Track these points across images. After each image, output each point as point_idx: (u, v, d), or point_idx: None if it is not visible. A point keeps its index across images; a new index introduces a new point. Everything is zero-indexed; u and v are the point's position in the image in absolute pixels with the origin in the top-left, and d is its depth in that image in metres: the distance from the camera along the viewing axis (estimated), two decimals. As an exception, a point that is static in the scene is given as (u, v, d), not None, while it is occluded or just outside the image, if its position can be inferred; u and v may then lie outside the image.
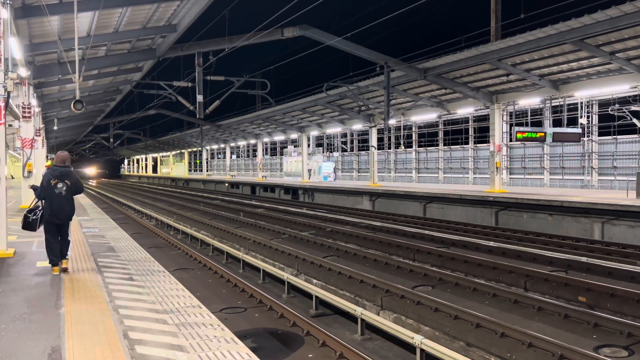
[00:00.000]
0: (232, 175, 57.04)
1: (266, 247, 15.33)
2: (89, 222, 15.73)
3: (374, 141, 32.23)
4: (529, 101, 23.97)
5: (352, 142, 44.07)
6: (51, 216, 7.99)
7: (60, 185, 7.94)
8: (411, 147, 37.57)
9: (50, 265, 8.28)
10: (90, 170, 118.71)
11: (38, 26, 14.82)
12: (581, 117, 24.73)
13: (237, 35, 20.30)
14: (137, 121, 54.86)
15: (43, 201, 8.11)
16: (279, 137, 47.06)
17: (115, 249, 10.73)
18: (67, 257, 8.38)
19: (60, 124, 37.60)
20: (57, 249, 8.16)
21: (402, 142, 36.33)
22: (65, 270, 8.25)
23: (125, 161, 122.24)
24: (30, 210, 8.18)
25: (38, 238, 11.72)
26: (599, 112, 25.25)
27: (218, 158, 72.72)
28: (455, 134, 33.96)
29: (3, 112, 9.53)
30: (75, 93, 15.02)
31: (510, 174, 30.01)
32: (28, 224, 8.16)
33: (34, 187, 8.31)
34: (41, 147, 26.78)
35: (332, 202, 31.76)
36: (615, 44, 15.91)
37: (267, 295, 10.10)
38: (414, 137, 37.31)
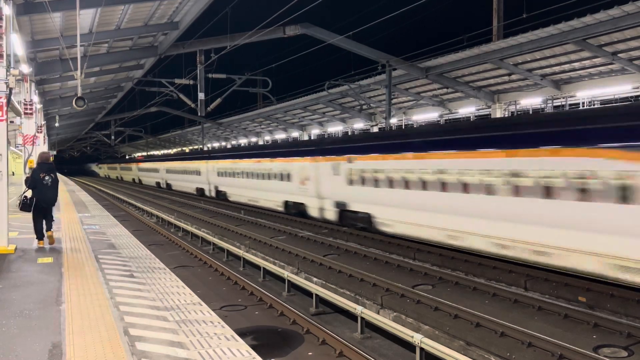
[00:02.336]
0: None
1: (267, 245, 15.35)
2: (90, 219, 15.74)
3: (375, 140, 32.11)
4: (530, 101, 23.93)
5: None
6: (40, 202, 9.98)
7: (47, 178, 9.97)
8: (412, 146, 37.37)
9: (36, 239, 10.34)
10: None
11: (40, 23, 14.83)
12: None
13: (238, 33, 20.30)
14: (138, 118, 54.82)
15: (30, 190, 10.01)
16: (280, 136, 47.05)
17: (116, 246, 10.74)
18: (51, 229, 10.40)
19: (62, 120, 37.63)
20: (42, 226, 10.25)
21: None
22: (50, 238, 10.32)
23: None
24: (22, 195, 10.16)
25: (39, 234, 11.75)
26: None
27: (219, 156, 72.41)
28: (457, 133, 33.88)
29: (5, 108, 9.54)
30: (77, 90, 15.03)
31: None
32: (25, 205, 10.04)
33: (26, 179, 10.31)
34: (42, 144, 26.80)
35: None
36: (617, 44, 15.89)
37: (267, 293, 10.12)
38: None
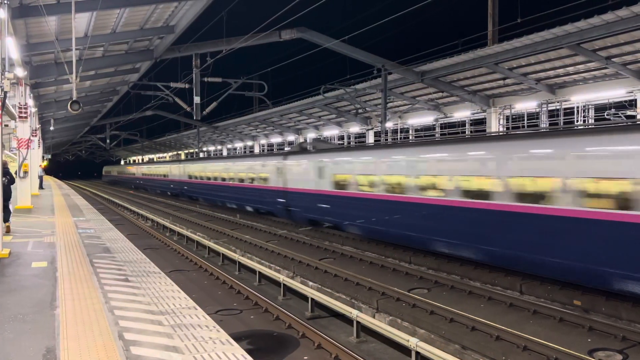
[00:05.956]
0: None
1: (262, 249, 15.33)
2: (84, 223, 15.68)
3: (370, 144, 32.24)
4: (525, 105, 24.02)
5: (349, 144, 44.10)
6: None
7: (3, 179, 11.22)
8: (408, 150, 37.42)
9: None
10: None
11: (35, 26, 14.80)
12: (577, 121, 24.82)
13: (234, 37, 20.32)
14: (133, 122, 54.78)
15: None
16: (275, 139, 47.06)
17: (111, 250, 10.70)
18: (8, 221, 12.52)
19: (57, 124, 37.55)
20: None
21: (399, 145, 36.00)
22: (7, 227, 12.22)
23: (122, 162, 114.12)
24: None
25: (33, 238, 11.72)
26: (595, 116, 25.32)
27: (215, 160, 72.22)
28: (452, 137, 34.02)
29: (-1, 112, 9.51)
30: (72, 93, 14.97)
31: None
32: None
33: None
34: (37, 148, 26.74)
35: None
36: (611, 48, 15.98)
37: (262, 297, 10.10)
38: (411, 140, 37.36)
